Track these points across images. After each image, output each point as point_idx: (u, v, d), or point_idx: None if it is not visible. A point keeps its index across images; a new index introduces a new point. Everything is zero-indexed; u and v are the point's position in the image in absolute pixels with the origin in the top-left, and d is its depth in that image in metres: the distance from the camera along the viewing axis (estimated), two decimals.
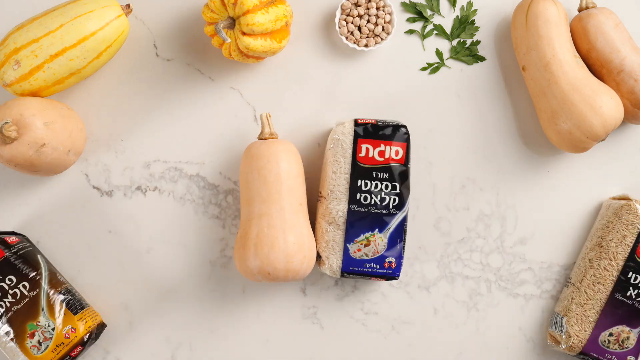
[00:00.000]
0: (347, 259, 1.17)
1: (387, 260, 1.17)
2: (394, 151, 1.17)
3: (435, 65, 1.25)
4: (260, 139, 1.18)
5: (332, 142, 1.18)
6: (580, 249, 1.25)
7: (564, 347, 1.18)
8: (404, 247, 1.18)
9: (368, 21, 1.23)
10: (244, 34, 1.14)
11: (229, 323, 1.24)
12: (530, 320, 1.24)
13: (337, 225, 1.17)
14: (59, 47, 1.15)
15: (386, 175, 1.16)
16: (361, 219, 1.16)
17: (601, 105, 1.15)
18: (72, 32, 1.15)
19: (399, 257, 1.17)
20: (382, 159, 1.16)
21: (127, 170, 1.25)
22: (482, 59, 1.25)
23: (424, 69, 1.26)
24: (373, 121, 1.17)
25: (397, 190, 1.17)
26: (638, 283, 1.15)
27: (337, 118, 1.24)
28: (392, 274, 1.17)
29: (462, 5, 1.26)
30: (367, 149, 1.16)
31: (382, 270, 1.17)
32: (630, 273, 1.15)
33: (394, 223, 1.17)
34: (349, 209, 1.16)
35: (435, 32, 1.26)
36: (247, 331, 1.24)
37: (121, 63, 1.25)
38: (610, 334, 1.16)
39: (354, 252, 1.16)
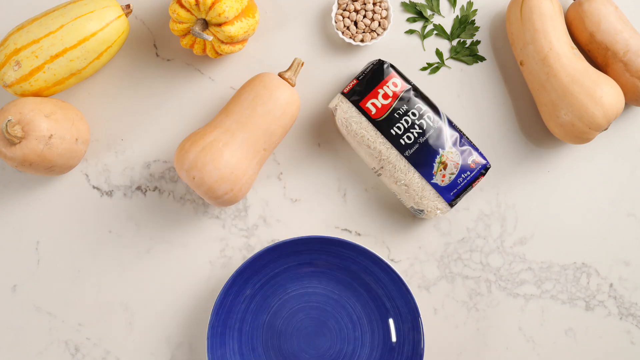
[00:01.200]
0: (442, 191, 1.18)
1: (469, 161, 1.18)
2: (392, 85, 1.18)
3: (435, 65, 1.25)
4: (279, 75, 1.19)
5: (343, 126, 1.19)
6: (580, 248, 1.25)
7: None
8: (468, 139, 1.19)
9: (364, 16, 1.23)
10: (220, 25, 1.14)
11: None
12: (530, 320, 1.24)
13: (411, 178, 1.17)
14: (60, 47, 1.15)
15: (405, 107, 1.18)
16: (422, 154, 1.17)
17: (602, 96, 1.15)
18: (73, 33, 1.15)
19: (475, 150, 1.19)
20: (389, 100, 1.18)
21: (127, 170, 1.25)
22: (482, 58, 1.25)
23: (424, 69, 1.26)
24: (355, 81, 1.19)
25: (423, 108, 1.18)
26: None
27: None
28: (483, 168, 1.19)
29: (462, 5, 1.26)
30: (373, 104, 1.17)
31: (474, 173, 1.18)
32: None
33: (446, 132, 1.18)
34: (405, 157, 1.17)
35: (435, 32, 1.26)
36: None
37: (121, 63, 1.26)
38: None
39: (442, 181, 1.17)
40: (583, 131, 1.17)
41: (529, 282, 1.24)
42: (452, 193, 1.18)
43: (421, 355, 1.18)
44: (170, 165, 1.25)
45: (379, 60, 1.19)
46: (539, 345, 1.24)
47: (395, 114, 1.18)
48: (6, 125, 1.11)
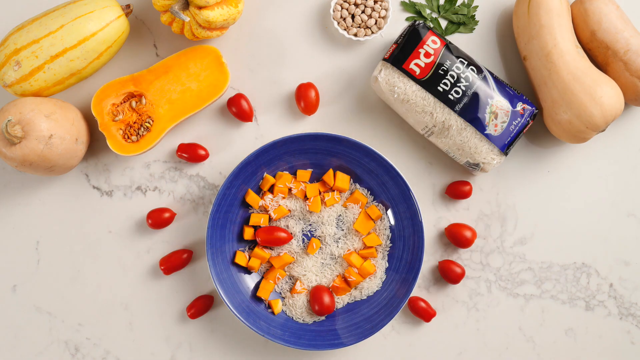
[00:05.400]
0: (496, 140, 1.17)
1: (518, 108, 1.18)
2: (431, 43, 1.18)
3: None
4: None
5: (389, 92, 1.18)
6: (580, 248, 1.25)
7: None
8: (512, 87, 1.20)
9: (363, 11, 1.23)
10: (199, 8, 1.14)
11: (229, 323, 1.24)
12: (530, 320, 1.24)
13: (464, 132, 1.17)
14: (60, 47, 1.15)
15: (448, 62, 1.17)
16: (472, 107, 1.17)
17: (601, 96, 1.15)
18: (73, 33, 1.15)
19: (520, 96, 1.19)
20: (431, 58, 1.17)
21: (127, 170, 1.25)
22: (472, 21, 1.25)
23: None
24: (394, 45, 1.18)
25: (466, 62, 1.18)
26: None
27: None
28: (531, 113, 1.19)
29: (463, 1, 1.26)
30: (416, 64, 1.17)
31: (524, 119, 1.18)
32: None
33: (490, 82, 1.18)
34: (455, 112, 1.17)
35: (430, 24, 1.25)
36: (246, 331, 1.24)
37: (121, 63, 1.26)
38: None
39: (495, 131, 1.17)
40: (580, 130, 1.16)
41: (529, 282, 1.24)
42: (507, 141, 1.18)
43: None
44: (170, 165, 1.25)
45: (414, 21, 1.18)
46: (539, 345, 1.24)
47: (439, 71, 1.17)
48: (6, 125, 1.12)
